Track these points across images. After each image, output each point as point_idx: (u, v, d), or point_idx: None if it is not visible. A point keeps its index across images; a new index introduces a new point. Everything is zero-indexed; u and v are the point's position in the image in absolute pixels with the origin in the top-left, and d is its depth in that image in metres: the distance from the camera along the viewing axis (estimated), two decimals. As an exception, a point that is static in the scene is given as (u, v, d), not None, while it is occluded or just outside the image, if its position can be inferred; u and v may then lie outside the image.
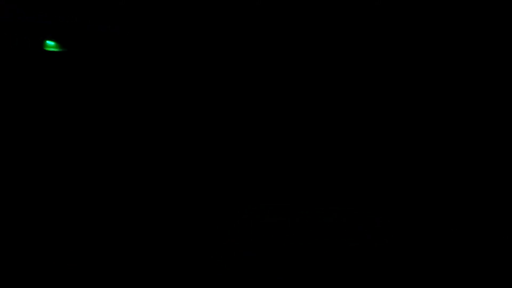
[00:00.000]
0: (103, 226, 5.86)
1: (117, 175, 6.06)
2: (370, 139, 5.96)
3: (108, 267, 5.60)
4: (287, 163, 6.00)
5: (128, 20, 6.05)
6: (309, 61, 6.05)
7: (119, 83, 6.13)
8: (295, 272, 5.54)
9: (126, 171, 6.07)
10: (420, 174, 5.84)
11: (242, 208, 5.89)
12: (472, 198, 5.72)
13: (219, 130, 6.10)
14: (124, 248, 5.72)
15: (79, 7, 6.04)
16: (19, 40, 6.00)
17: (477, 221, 5.64)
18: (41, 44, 5.95)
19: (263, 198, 5.92)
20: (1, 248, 5.69)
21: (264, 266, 5.59)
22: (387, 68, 5.95)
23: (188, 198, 5.98)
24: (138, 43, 6.09)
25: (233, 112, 6.10)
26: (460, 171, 5.79)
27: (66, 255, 5.68)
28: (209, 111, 6.10)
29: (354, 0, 5.94)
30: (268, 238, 5.74)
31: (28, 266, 5.60)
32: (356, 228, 5.73)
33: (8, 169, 6.02)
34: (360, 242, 5.66)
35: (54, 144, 6.09)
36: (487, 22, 5.78)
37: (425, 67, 5.91)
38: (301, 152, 6.01)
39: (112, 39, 6.07)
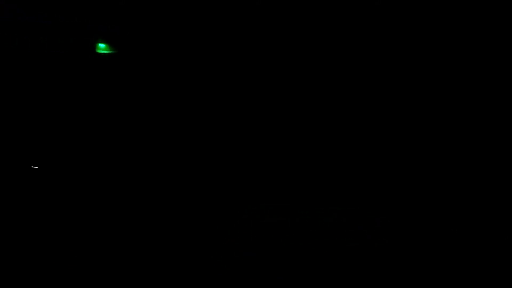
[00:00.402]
0: (104, 226, 5.87)
1: (116, 176, 6.07)
2: (370, 139, 5.96)
3: (108, 267, 5.61)
4: (287, 163, 6.00)
5: (128, 20, 6.05)
6: (309, 61, 6.05)
7: (119, 83, 6.13)
8: (295, 272, 5.55)
9: (125, 171, 6.07)
10: (420, 174, 5.84)
11: (242, 208, 5.89)
12: (472, 198, 5.72)
13: (219, 130, 6.10)
14: (124, 248, 5.72)
15: (79, 7, 6.04)
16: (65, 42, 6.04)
17: (477, 221, 5.64)
18: (94, 46, 5.99)
19: (263, 198, 5.92)
20: (1, 248, 5.70)
21: (264, 266, 5.59)
22: (387, 68, 5.95)
23: (188, 198, 5.98)
24: (138, 43, 6.09)
25: (233, 112, 6.10)
26: (460, 171, 5.79)
27: (67, 255, 5.69)
28: (209, 111, 6.10)
29: (354, 0, 5.94)
30: (268, 238, 5.74)
31: (28, 266, 5.61)
32: (356, 228, 5.73)
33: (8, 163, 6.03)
34: (360, 242, 5.66)
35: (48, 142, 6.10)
36: (487, 22, 5.78)
37: (425, 67, 5.91)
38: (300, 152, 6.01)
39: (113, 39, 6.07)
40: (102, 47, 6.01)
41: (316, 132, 6.01)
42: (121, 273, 5.58)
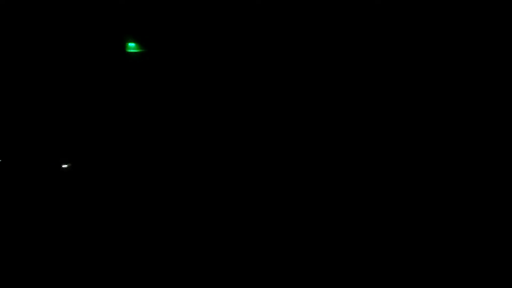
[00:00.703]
0: (105, 226, 5.91)
1: (116, 176, 6.09)
2: (370, 140, 5.96)
3: (109, 267, 5.64)
4: (287, 163, 6.00)
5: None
6: (309, 61, 6.05)
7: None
8: (295, 272, 5.56)
9: (125, 172, 6.09)
10: (420, 174, 5.83)
11: (242, 208, 5.91)
12: (472, 198, 5.71)
13: (220, 129, 6.11)
14: (125, 248, 5.75)
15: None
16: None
17: (477, 221, 5.63)
18: (124, 46, 5.99)
19: (263, 198, 5.94)
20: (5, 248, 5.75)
21: (264, 266, 5.61)
22: (387, 69, 5.94)
23: (189, 198, 6.00)
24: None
25: (234, 112, 6.11)
26: (460, 172, 5.78)
27: (68, 255, 5.73)
28: (210, 112, 6.11)
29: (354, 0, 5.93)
30: (267, 238, 5.76)
31: (28, 266, 5.65)
32: (356, 228, 5.74)
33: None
34: (360, 242, 5.67)
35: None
36: (487, 22, 5.76)
37: (425, 67, 5.90)
38: (301, 152, 6.01)
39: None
40: (132, 46, 6.00)
41: (316, 132, 6.01)
42: (121, 273, 5.61)
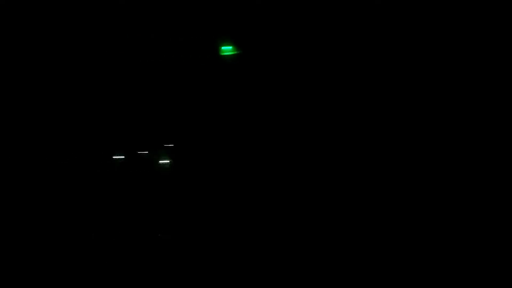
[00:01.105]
0: (105, 226, 5.93)
1: (119, 177, 6.11)
2: (370, 140, 5.95)
3: (109, 266, 5.66)
4: (287, 163, 6.01)
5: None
6: (309, 60, 6.05)
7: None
8: (295, 272, 5.57)
9: (125, 173, 6.11)
10: (420, 174, 5.83)
11: (242, 208, 5.92)
12: (472, 198, 5.70)
13: (223, 129, 6.12)
14: (125, 248, 5.77)
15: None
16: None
17: (477, 221, 5.63)
18: (217, 49, 5.96)
19: (263, 198, 5.94)
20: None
21: (264, 266, 5.62)
22: (387, 69, 5.93)
23: (189, 198, 6.01)
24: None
25: (236, 113, 6.12)
26: (460, 172, 5.77)
27: (70, 255, 5.75)
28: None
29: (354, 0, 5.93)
30: (268, 238, 5.77)
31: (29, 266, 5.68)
32: (356, 228, 5.74)
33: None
34: (360, 242, 5.67)
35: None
36: (487, 22, 5.75)
37: (425, 66, 5.89)
38: (301, 152, 6.02)
39: None
40: (226, 50, 5.94)
41: (316, 132, 6.01)
42: (121, 273, 5.63)
